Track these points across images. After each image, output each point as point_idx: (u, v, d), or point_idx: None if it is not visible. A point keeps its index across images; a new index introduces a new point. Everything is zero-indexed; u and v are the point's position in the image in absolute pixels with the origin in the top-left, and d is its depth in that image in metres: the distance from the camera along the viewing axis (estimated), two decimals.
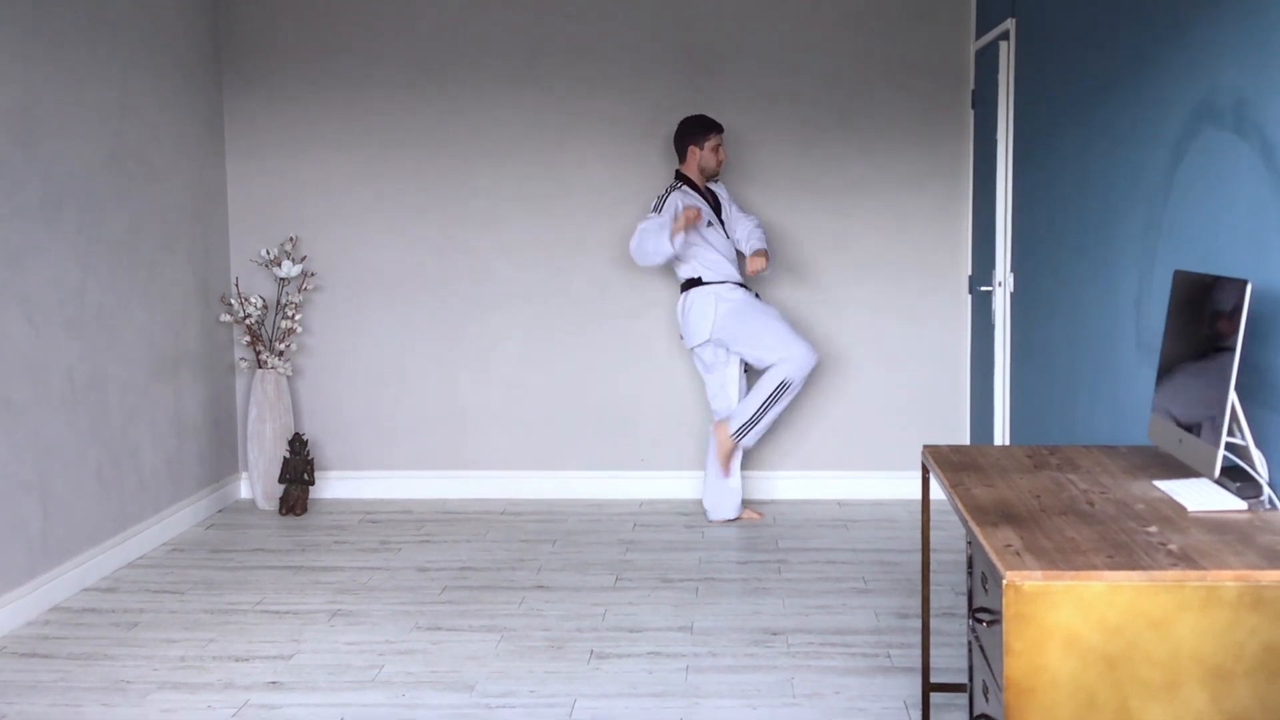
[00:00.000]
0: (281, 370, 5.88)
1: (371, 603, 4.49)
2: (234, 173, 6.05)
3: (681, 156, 5.54)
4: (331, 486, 6.12)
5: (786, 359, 5.40)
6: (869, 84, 5.89)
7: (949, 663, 3.80)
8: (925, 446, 3.22)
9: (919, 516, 5.55)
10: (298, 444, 5.75)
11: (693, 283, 5.49)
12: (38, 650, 4.05)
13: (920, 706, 3.43)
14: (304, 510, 5.82)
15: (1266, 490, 2.58)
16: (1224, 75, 3.01)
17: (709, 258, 5.46)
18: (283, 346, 5.90)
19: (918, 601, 4.39)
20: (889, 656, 3.90)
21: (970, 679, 2.89)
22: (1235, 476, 2.64)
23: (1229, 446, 2.63)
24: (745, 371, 5.61)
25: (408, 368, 6.10)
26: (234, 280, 6.05)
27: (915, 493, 5.83)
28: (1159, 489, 2.74)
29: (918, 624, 4.17)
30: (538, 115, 5.97)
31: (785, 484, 6.03)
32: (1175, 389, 2.83)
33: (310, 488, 5.90)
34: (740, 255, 5.65)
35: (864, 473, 6.02)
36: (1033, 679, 2.18)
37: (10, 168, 4.31)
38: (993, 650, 2.42)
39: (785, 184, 5.94)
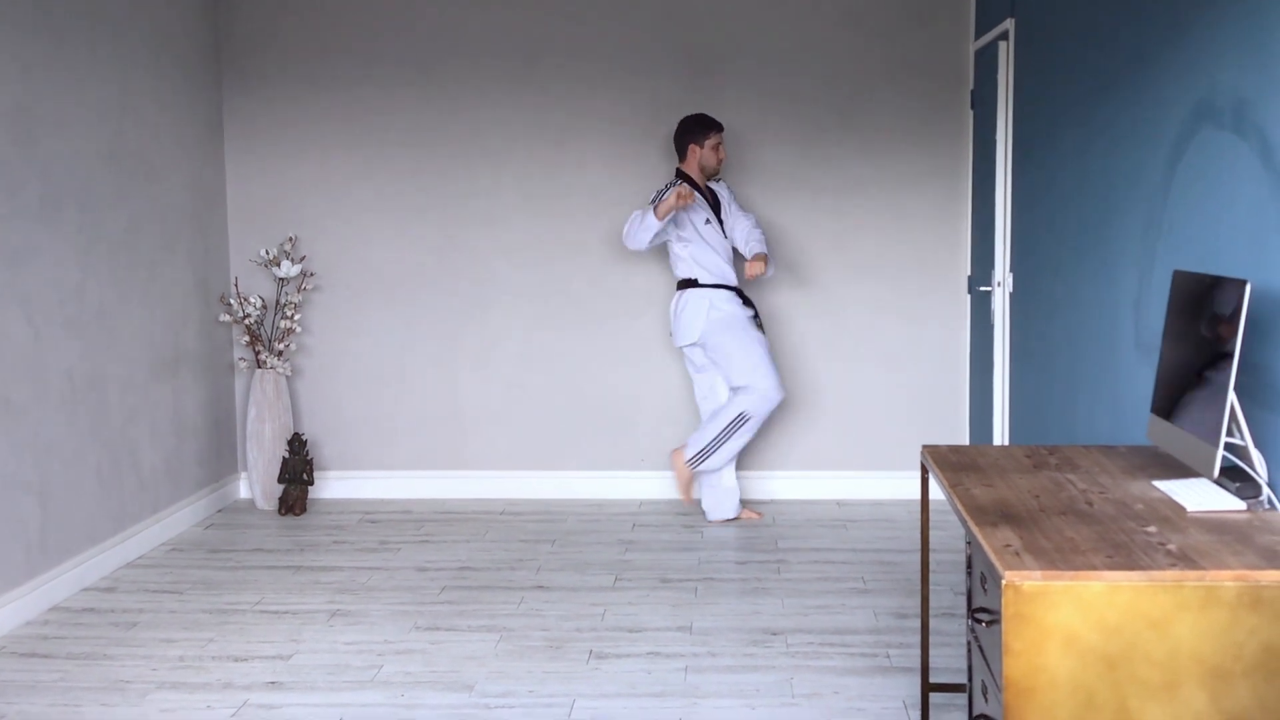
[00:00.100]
0: (281, 370, 5.88)
1: (370, 603, 4.49)
2: (233, 172, 6.05)
3: (681, 155, 5.54)
4: (331, 486, 6.12)
5: (751, 389, 5.40)
6: (868, 84, 5.89)
7: (948, 663, 3.80)
8: (924, 446, 3.22)
9: (918, 516, 5.54)
10: (297, 444, 5.75)
11: (688, 283, 5.49)
12: (37, 650, 4.05)
13: (919, 706, 3.43)
14: (303, 510, 5.82)
15: (1265, 490, 2.58)
16: (1223, 75, 3.01)
17: (706, 259, 5.45)
18: (282, 346, 5.90)
19: (917, 601, 4.39)
20: (888, 656, 3.90)
21: (969, 679, 2.89)
22: (1234, 476, 2.64)
23: (1228, 446, 2.63)
24: None
25: (407, 368, 6.10)
26: (233, 280, 6.05)
27: (914, 493, 5.83)
28: (1158, 489, 2.74)
29: (917, 624, 4.17)
30: (537, 115, 5.97)
31: (784, 484, 6.03)
32: (1174, 389, 2.83)
33: (309, 488, 5.90)
34: (739, 256, 5.65)
35: (863, 473, 6.02)
36: (1032, 679, 2.18)
37: (10, 167, 4.31)
38: (992, 650, 2.42)
39: (785, 184, 5.94)
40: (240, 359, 6.03)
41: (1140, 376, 3.54)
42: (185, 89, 5.64)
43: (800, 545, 5.21)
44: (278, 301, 5.95)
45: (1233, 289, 2.55)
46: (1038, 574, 2.17)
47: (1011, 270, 5.08)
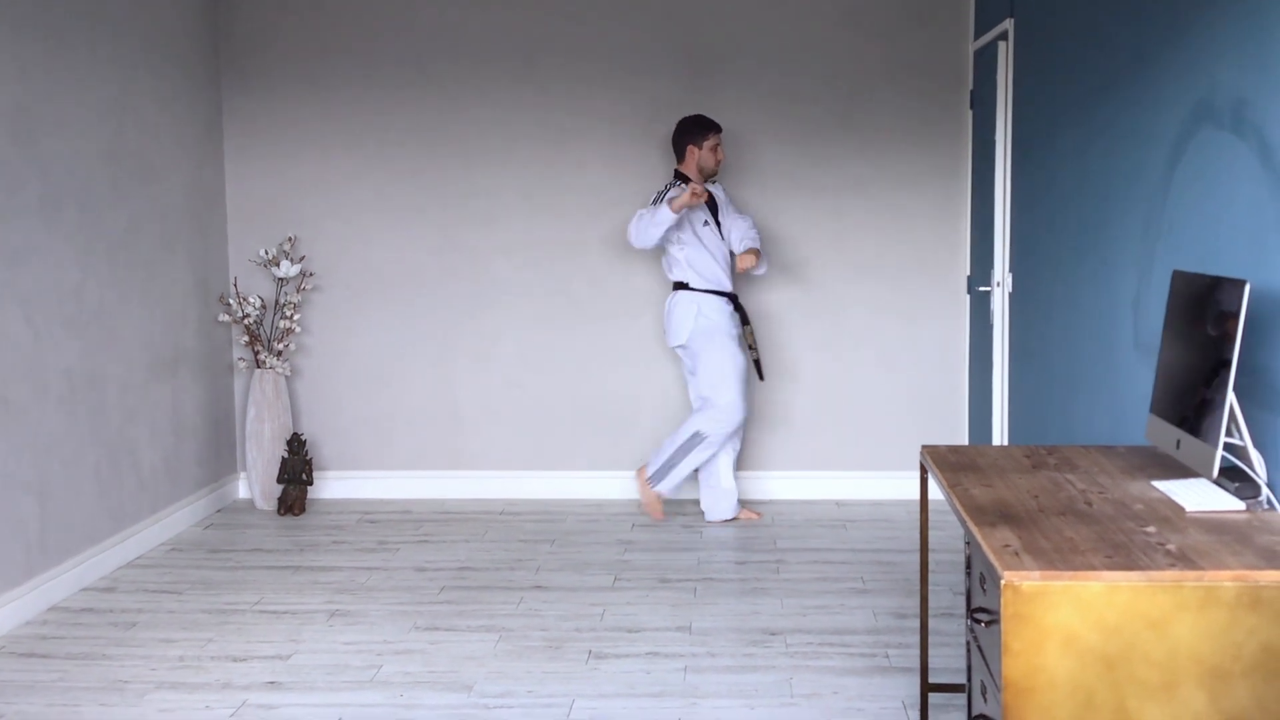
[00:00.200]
0: (280, 370, 5.88)
1: (370, 603, 4.49)
2: (233, 172, 6.05)
3: (680, 156, 5.54)
4: (330, 486, 6.12)
5: (711, 404, 5.42)
6: (868, 84, 5.89)
7: (947, 663, 3.80)
8: (923, 446, 3.22)
9: (917, 516, 5.55)
10: (296, 444, 5.75)
11: (680, 285, 5.49)
12: (36, 650, 4.04)
13: (919, 707, 3.43)
14: (302, 510, 5.82)
15: (1265, 490, 2.58)
16: (1222, 75, 3.02)
17: (701, 263, 5.44)
18: (281, 346, 5.89)
19: (916, 601, 4.39)
20: (887, 656, 3.90)
21: (968, 679, 2.89)
22: (1233, 477, 2.64)
23: (1227, 447, 2.63)
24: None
25: (406, 368, 6.10)
26: (232, 280, 6.05)
27: (914, 493, 5.83)
28: (1157, 489, 2.74)
29: (916, 624, 4.17)
30: (537, 115, 5.97)
31: (783, 484, 6.03)
32: (1173, 389, 2.83)
33: (308, 488, 5.90)
34: (728, 265, 5.58)
35: (862, 473, 6.02)
36: (1031, 679, 2.18)
37: (9, 167, 4.31)
38: (991, 650, 2.42)
39: (784, 184, 5.94)
40: (239, 359, 6.03)
41: (1139, 376, 3.54)
42: (185, 89, 5.64)
43: (799, 545, 5.21)
44: (277, 301, 5.95)
45: (1232, 289, 2.55)
46: (1037, 574, 2.18)
47: (1011, 270, 5.08)
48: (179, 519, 5.49)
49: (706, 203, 5.51)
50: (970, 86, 5.84)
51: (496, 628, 4.21)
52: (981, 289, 5.55)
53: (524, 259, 6.03)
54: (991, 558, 2.27)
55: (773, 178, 5.94)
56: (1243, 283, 2.50)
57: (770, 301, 5.99)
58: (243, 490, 6.16)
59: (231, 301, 5.91)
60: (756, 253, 5.41)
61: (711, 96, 5.90)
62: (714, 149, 5.49)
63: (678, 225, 5.42)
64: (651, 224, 5.29)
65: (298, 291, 5.93)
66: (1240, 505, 2.56)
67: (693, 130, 5.48)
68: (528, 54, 5.94)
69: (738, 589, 4.61)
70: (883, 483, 5.99)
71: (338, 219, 6.05)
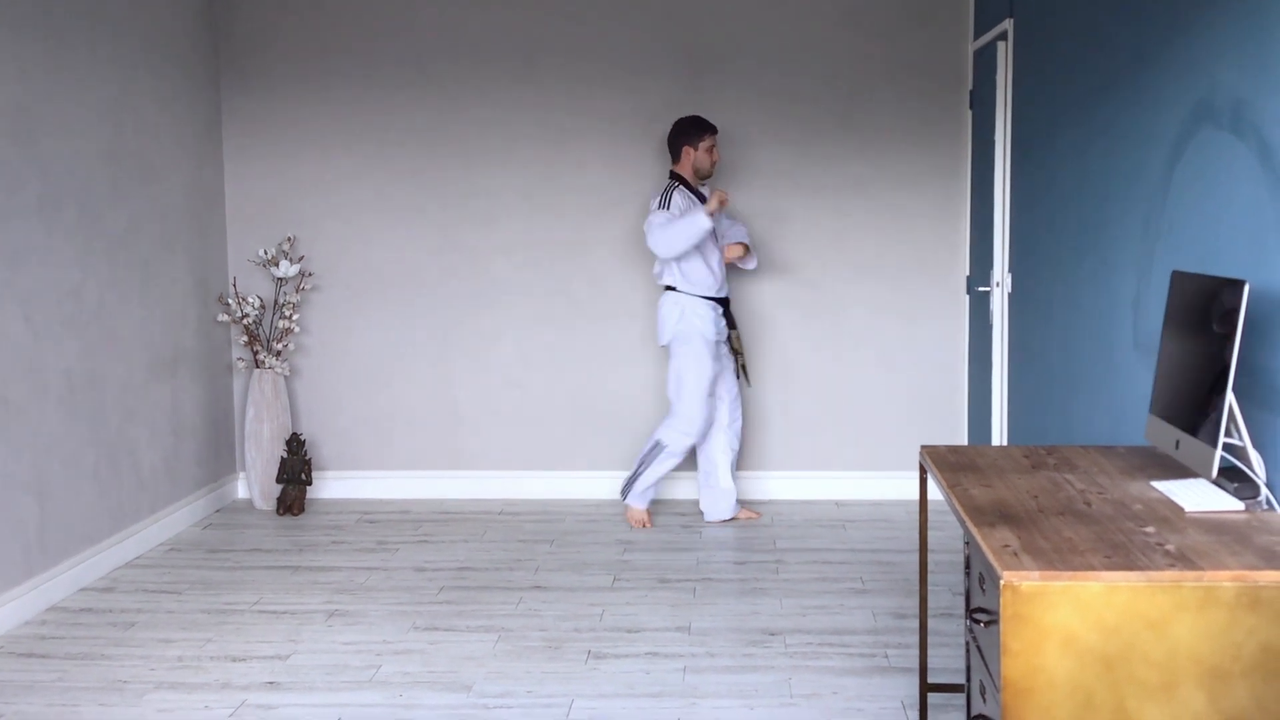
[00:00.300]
0: (279, 370, 5.88)
1: (369, 603, 4.48)
2: (232, 172, 6.05)
3: (675, 157, 5.53)
4: (329, 486, 6.12)
5: (675, 415, 5.46)
6: (867, 84, 5.89)
7: (946, 663, 3.80)
8: (923, 447, 3.22)
9: (917, 517, 5.54)
10: (295, 444, 5.75)
11: (669, 288, 5.49)
12: (35, 650, 4.04)
13: (918, 707, 3.43)
14: (301, 510, 5.81)
15: (1264, 491, 2.58)
16: (1222, 76, 3.01)
17: (691, 267, 5.41)
18: (280, 346, 5.89)
19: (915, 602, 4.39)
20: (886, 657, 3.89)
21: (968, 679, 2.89)
22: (1233, 477, 2.64)
23: (1226, 447, 2.63)
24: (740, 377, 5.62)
25: (406, 368, 6.10)
26: (232, 280, 6.05)
27: (913, 493, 5.83)
28: (1156, 489, 2.74)
29: (915, 624, 4.17)
30: (537, 115, 5.97)
31: (782, 484, 6.03)
32: (1173, 389, 2.83)
33: (308, 488, 5.90)
34: (723, 269, 5.56)
35: (861, 473, 6.02)
36: (1030, 679, 2.18)
37: (9, 167, 4.31)
38: (990, 650, 2.42)
39: (784, 183, 5.94)
40: (238, 359, 6.03)
41: (1139, 377, 3.54)
42: (184, 89, 5.64)
43: (798, 545, 5.21)
44: (276, 301, 5.95)
45: (1231, 289, 2.55)
46: (1036, 574, 2.17)
47: (1010, 270, 5.08)
48: (178, 519, 5.49)
49: (695, 207, 5.48)
50: (970, 86, 5.84)
51: (496, 628, 4.21)
52: (981, 289, 5.55)
53: (524, 259, 6.03)
54: (991, 558, 2.27)
55: (773, 178, 5.94)
56: (1242, 283, 2.50)
57: (770, 301, 5.99)
58: (242, 490, 6.16)
59: (231, 301, 5.91)
60: (745, 246, 5.44)
61: (711, 96, 5.90)
62: (709, 150, 5.49)
63: None
64: (688, 231, 5.22)
65: (297, 291, 5.93)
66: (1239, 505, 2.56)
67: (689, 131, 5.48)
68: (528, 54, 5.94)
69: (737, 589, 4.61)
70: (882, 483, 5.99)
71: (337, 219, 6.05)
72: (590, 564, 4.96)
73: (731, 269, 5.70)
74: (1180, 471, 2.88)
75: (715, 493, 5.58)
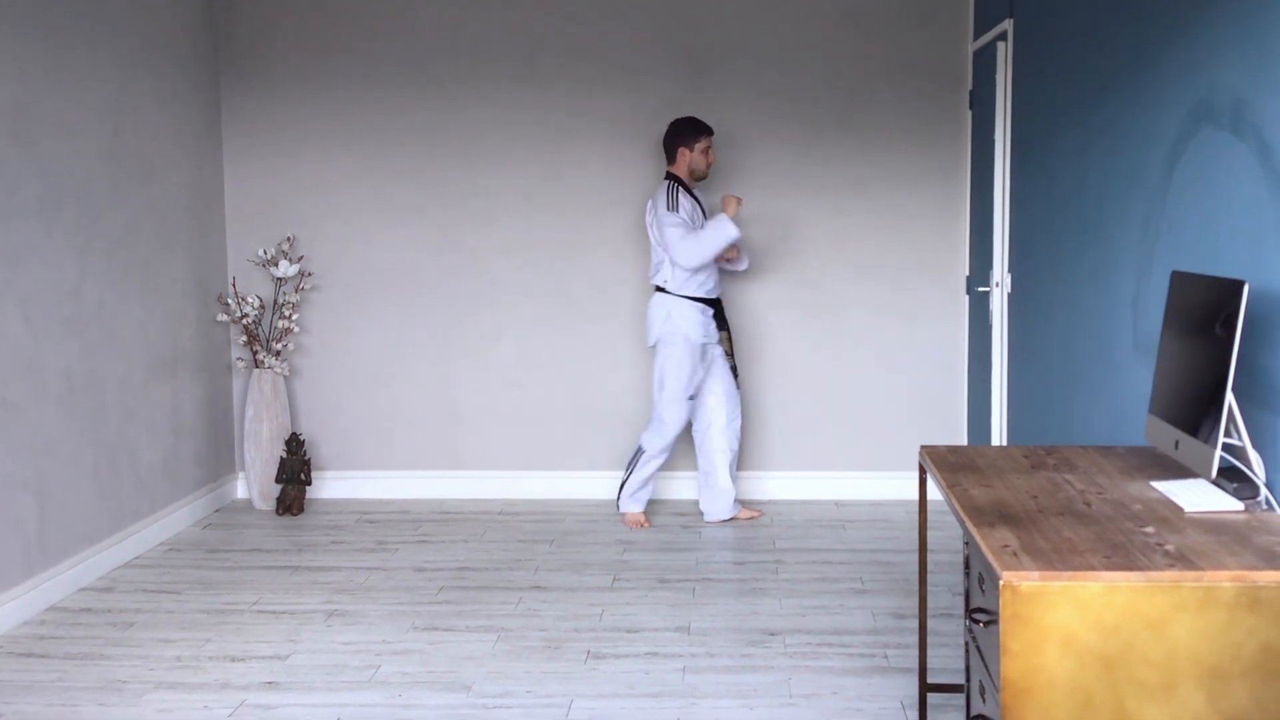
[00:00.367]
0: (278, 370, 5.88)
1: (368, 603, 4.48)
2: (231, 172, 6.05)
3: (671, 158, 5.52)
4: (328, 486, 6.12)
5: (656, 419, 5.50)
6: (867, 84, 5.89)
7: (946, 663, 3.80)
8: (922, 447, 3.22)
9: (916, 517, 5.54)
10: (294, 444, 5.75)
11: (659, 289, 5.49)
12: (34, 650, 4.04)
13: (917, 707, 3.43)
14: (301, 510, 5.81)
15: (1263, 491, 2.58)
16: (1222, 76, 3.01)
17: (664, 266, 5.42)
18: (280, 346, 5.89)
19: (915, 602, 4.39)
20: (886, 657, 3.89)
21: (967, 679, 2.88)
22: (1232, 477, 2.64)
23: (1226, 447, 2.62)
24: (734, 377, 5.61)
25: (405, 367, 6.10)
26: (231, 280, 6.05)
27: (912, 493, 5.83)
28: (1156, 489, 2.74)
29: (915, 624, 4.17)
30: (537, 115, 5.97)
31: (782, 484, 6.03)
32: (1172, 390, 2.83)
33: (307, 488, 5.90)
34: (715, 271, 5.56)
35: (861, 473, 6.02)
36: (1030, 679, 2.18)
37: (8, 166, 4.31)
38: (990, 651, 2.42)
39: (784, 184, 5.94)
40: (238, 359, 6.03)
41: (1138, 377, 3.54)
42: (184, 89, 5.64)
43: (798, 546, 5.21)
44: (275, 301, 5.95)
45: (1231, 290, 2.55)
46: (1035, 574, 2.17)
47: (1010, 270, 5.08)
48: (177, 519, 5.49)
49: (699, 207, 5.49)
50: (970, 87, 5.84)
51: (495, 628, 4.21)
52: (980, 289, 5.55)
53: (524, 259, 6.03)
54: (990, 558, 2.27)
55: (772, 178, 5.94)
56: (1241, 283, 2.50)
57: (770, 301, 5.99)
58: (241, 490, 6.16)
59: (230, 301, 5.91)
60: (735, 247, 5.49)
61: (711, 96, 5.90)
62: (705, 151, 5.49)
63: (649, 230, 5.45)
64: (716, 242, 5.27)
65: (296, 291, 5.93)
66: (1239, 506, 2.55)
67: (685, 132, 5.48)
68: (528, 54, 5.94)
69: (737, 589, 4.61)
70: (882, 483, 5.99)
71: (337, 219, 6.04)
72: (590, 564, 4.96)
73: (723, 271, 5.70)
74: (1180, 472, 2.88)
75: (714, 493, 5.58)
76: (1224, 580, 2.15)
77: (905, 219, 5.94)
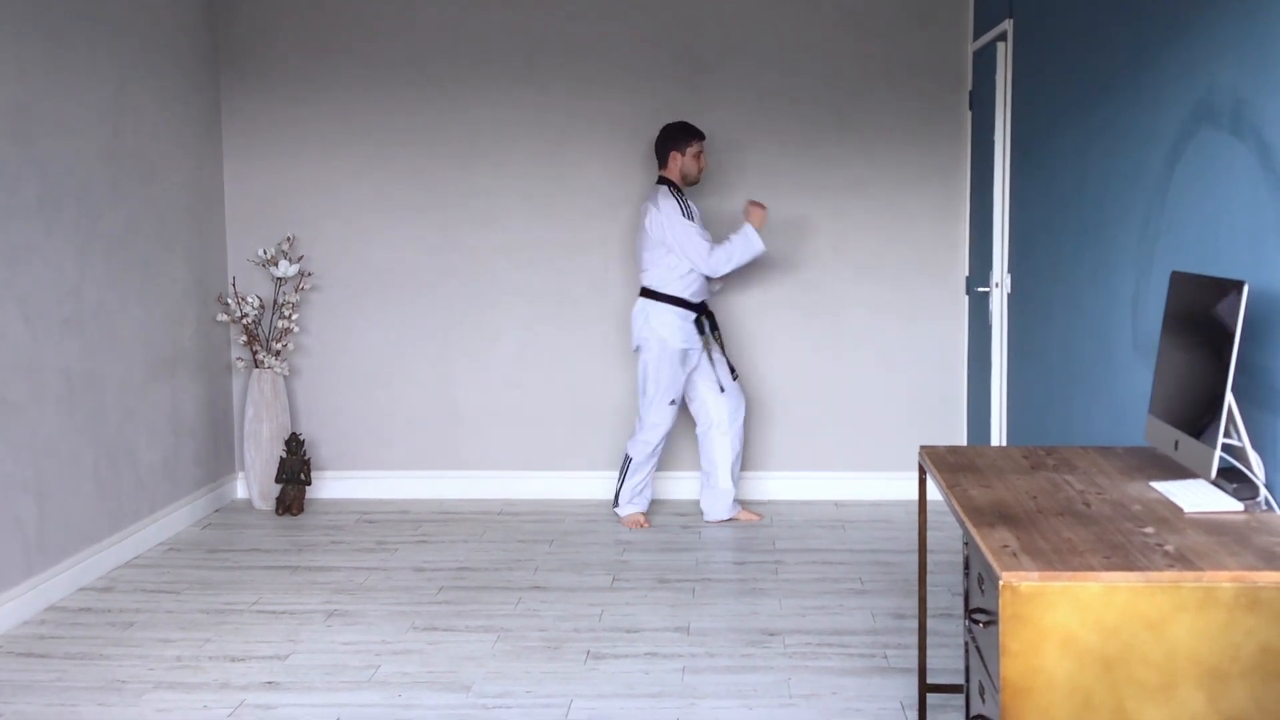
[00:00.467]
0: (278, 370, 5.88)
1: (368, 603, 4.48)
2: (231, 172, 6.05)
3: (663, 162, 5.52)
4: (328, 486, 6.12)
5: (639, 426, 5.52)
6: (867, 84, 5.89)
7: (945, 663, 3.80)
8: (922, 447, 3.22)
9: (916, 517, 5.54)
10: (294, 444, 5.75)
11: (643, 291, 5.49)
12: (34, 650, 4.04)
13: (917, 707, 3.43)
14: (300, 510, 5.81)
15: (1263, 491, 2.58)
16: (1222, 76, 3.01)
17: (658, 272, 5.41)
18: (279, 346, 5.89)
19: (914, 602, 4.39)
20: (885, 657, 3.89)
21: (967, 680, 2.88)
22: (1232, 478, 2.64)
23: (1226, 448, 2.62)
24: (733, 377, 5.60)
25: (405, 368, 6.10)
26: (231, 280, 6.05)
27: (912, 493, 5.82)
28: (1155, 490, 2.74)
29: (914, 625, 4.17)
30: (537, 115, 5.97)
31: (782, 484, 6.03)
32: (1172, 390, 2.83)
33: (307, 488, 5.90)
34: (698, 274, 5.56)
35: (861, 473, 6.02)
36: (1029, 680, 2.18)
37: (7, 166, 4.31)
38: (989, 651, 2.42)
39: (783, 184, 5.94)
40: (238, 359, 6.03)
41: (1138, 377, 3.54)
42: (184, 88, 5.64)
43: (798, 546, 5.21)
44: (275, 301, 5.95)
45: (1231, 290, 2.55)
46: (1035, 575, 2.17)
47: (1010, 271, 5.08)
48: (177, 519, 5.49)
49: (687, 214, 5.46)
50: (969, 87, 5.84)
51: (495, 628, 4.21)
52: (980, 289, 5.55)
53: (524, 259, 6.03)
54: (990, 558, 2.27)
55: (772, 178, 5.94)
56: (1241, 283, 2.50)
57: (770, 301, 5.99)
58: (241, 490, 6.16)
59: (230, 301, 5.91)
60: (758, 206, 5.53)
61: (711, 96, 5.90)
62: (697, 156, 5.49)
63: (650, 232, 5.43)
64: (745, 255, 5.36)
65: (296, 291, 5.92)
66: (1238, 506, 2.55)
67: (677, 136, 5.47)
68: (528, 54, 5.94)
69: (736, 589, 4.61)
70: (881, 483, 5.99)
71: (337, 219, 6.04)
72: (589, 564, 4.96)
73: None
74: (1179, 472, 2.88)
75: (714, 493, 5.58)
76: (1223, 581, 2.15)
77: (905, 219, 5.94)
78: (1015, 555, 2.26)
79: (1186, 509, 2.56)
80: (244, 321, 5.83)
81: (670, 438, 5.97)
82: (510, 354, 6.08)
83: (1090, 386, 4.01)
